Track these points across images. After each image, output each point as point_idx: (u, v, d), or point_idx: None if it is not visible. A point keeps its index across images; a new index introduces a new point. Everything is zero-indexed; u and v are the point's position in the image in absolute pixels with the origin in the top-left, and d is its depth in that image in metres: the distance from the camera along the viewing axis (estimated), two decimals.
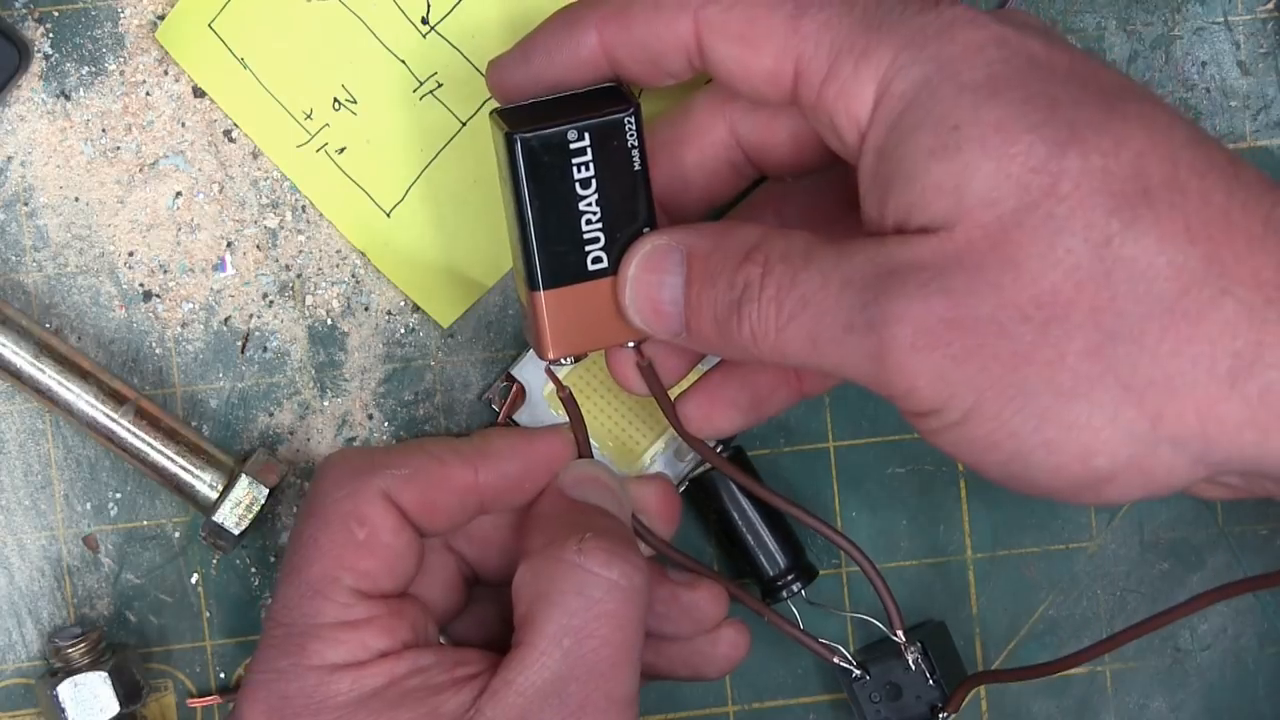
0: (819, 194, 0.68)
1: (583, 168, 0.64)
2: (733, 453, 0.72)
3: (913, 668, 0.70)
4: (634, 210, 0.65)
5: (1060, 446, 0.58)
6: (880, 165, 0.60)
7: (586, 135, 0.63)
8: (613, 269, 0.65)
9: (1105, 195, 0.57)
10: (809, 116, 0.62)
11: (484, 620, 0.68)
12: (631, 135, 0.64)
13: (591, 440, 0.68)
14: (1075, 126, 0.58)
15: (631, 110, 0.64)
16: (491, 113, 0.66)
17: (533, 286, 0.65)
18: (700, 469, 0.72)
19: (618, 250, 0.65)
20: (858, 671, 0.71)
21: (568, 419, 0.68)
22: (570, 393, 0.68)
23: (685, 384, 0.68)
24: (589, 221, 0.64)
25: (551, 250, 0.64)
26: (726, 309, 0.62)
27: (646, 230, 0.65)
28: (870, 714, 0.71)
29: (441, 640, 0.69)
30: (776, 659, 0.75)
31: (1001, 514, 0.75)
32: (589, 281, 0.65)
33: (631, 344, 0.66)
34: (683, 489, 0.73)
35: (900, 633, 0.69)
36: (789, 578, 0.72)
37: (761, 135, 0.66)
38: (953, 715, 0.71)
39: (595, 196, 0.64)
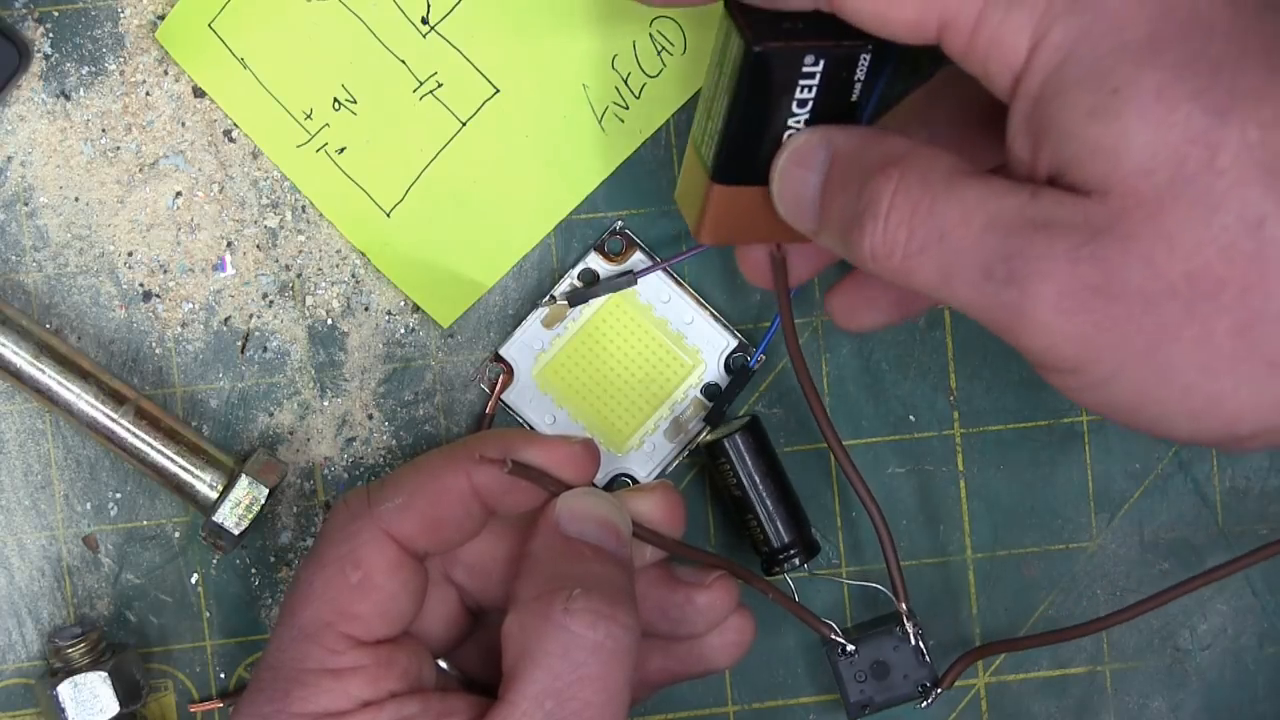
0: (968, 105, 0.66)
1: (806, 89, 0.63)
2: (749, 421, 0.72)
3: (912, 640, 0.71)
4: None
5: (1204, 414, 0.57)
6: (1035, 114, 0.59)
7: (822, 61, 0.62)
8: None
9: (1261, 171, 0.56)
10: (957, 60, 0.61)
11: (490, 646, 0.67)
12: (862, 70, 0.63)
13: (581, 424, 0.67)
14: (1235, 94, 0.56)
15: (869, 46, 0.62)
16: (726, 2, 0.63)
17: (714, 178, 0.64)
18: (699, 439, 0.72)
19: None
20: (851, 647, 0.71)
21: (579, 428, 0.67)
22: (515, 465, 0.66)
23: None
24: (789, 136, 0.64)
25: (745, 150, 0.64)
26: (850, 219, 0.61)
27: None
28: (853, 692, 0.71)
29: (443, 665, 0.69)
30: (777, 659, 0.75)
31: (1001, 514, 0.75)
32: (763, 186, 0.64)
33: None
34: (684, 459, 0.73)
35: (904, 604, 0.70)
36: (791, 551, 0.72)
37: None
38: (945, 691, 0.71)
39: (807, 118, 0.63)
